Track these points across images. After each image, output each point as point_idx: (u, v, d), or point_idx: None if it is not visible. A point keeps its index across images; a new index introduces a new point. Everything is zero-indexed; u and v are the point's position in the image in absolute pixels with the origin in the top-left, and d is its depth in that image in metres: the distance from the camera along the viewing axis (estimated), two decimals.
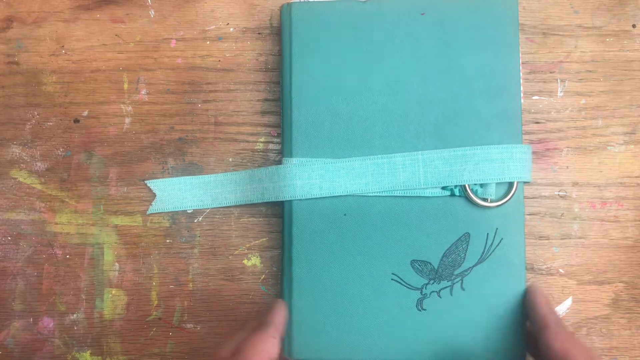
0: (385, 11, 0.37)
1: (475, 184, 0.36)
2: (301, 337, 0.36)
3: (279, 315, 0.34)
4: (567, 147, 0.40)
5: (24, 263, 0.40)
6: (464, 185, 0.35)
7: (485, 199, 0.36)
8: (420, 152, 0.36)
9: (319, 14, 0.37)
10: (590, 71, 0.40)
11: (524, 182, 0.36)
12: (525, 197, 0.38)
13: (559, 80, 0.40)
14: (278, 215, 0.40)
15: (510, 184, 0.36)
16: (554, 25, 0.40)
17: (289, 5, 0.37)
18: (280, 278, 0.38)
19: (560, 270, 0.39)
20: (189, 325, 0.40)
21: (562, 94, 0.40)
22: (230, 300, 0.40)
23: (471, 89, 0.36)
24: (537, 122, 0.40)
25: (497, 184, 0.36)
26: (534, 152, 0.39)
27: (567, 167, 0.40)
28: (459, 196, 0.36)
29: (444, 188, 0.36)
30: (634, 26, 0.40)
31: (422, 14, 0.37)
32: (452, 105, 0.36)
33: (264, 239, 0.40)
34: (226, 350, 0.31)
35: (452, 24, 0.36)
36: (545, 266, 0.39)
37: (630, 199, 0.39)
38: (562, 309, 0.39)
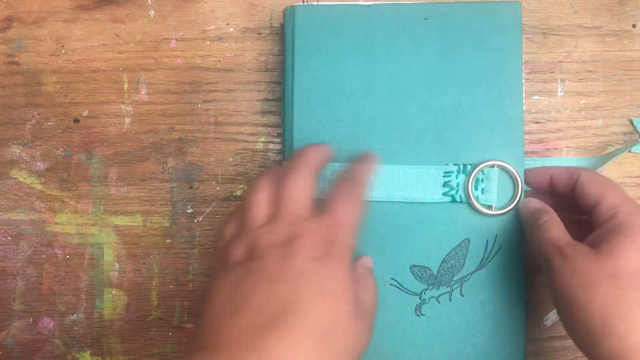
0: (389, 16, 0.37)
1: (476, 191, 0.36)
2: None
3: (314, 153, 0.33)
4: (567, 147, 0.40)
5: (24, 263, 0.40)
6: (467, 192, 0.35)
7: (487, 206, 0.35)
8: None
9: (322, 18, 0.37)
10: (590, 71, 0.40)
11: (526, 190, 0.36)
12: None
13: (559, 80, 0.40)
14: None
15: (514, 192, 0.35)
16: (554, 25, 0.40)
17: (293, 7, 0.37)
18: None
19: None
20: (189, 325, 0.40)
21: (562, 94, 0.40)
22: None
23: (473, 95, 0.36)
24: (537, 122, 0.40)
25: (499, 190, 0.35)
26: (533, 152, 0.39)
27: None
28: (460, 202, 0.36)
29: (444, 194, 0.36)
30: (634, 26, 0.40)
31: (425, 19, 0.36)
32: (453, 111, 0.36)
33: None
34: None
35: (455, 29, 0.36)
36: None
37: None
38: None
